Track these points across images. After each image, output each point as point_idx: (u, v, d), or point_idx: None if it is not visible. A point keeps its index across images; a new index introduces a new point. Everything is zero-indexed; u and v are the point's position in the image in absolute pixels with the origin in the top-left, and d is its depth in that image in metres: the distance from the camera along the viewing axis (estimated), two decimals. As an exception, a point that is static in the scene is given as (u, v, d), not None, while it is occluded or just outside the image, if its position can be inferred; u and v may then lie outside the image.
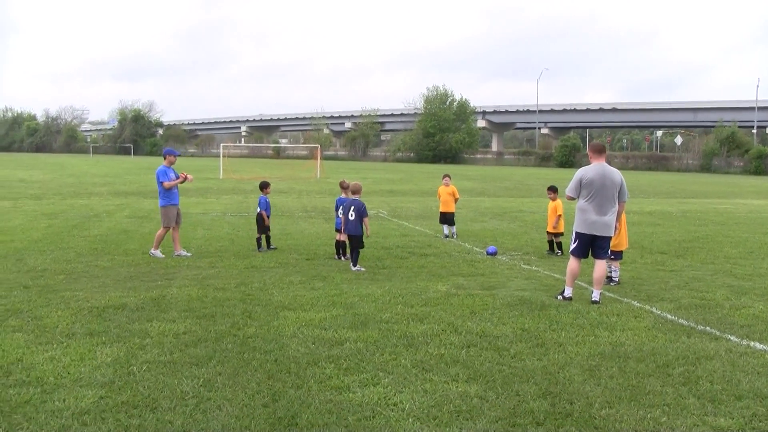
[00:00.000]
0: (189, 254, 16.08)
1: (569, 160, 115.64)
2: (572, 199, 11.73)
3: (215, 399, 6.96)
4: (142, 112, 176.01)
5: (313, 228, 22.14)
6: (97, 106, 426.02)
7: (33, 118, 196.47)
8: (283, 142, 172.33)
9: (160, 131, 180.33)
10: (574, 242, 11.72)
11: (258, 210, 17.12)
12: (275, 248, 17.04)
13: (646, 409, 6.80)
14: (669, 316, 10.63)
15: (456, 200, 20.24)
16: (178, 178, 16.14)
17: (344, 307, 10.96)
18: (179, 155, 16.69)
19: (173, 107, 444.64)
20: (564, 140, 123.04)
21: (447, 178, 20.38)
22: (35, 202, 30.23)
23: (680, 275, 14.24)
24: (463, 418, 6.53)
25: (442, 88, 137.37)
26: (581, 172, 11.65)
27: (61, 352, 8.40)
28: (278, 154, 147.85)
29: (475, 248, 17.93)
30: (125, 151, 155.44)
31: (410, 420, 6.47)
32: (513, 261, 15.93)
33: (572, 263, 11.73)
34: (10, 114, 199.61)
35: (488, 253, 16.36)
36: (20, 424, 6.32)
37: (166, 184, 16.01)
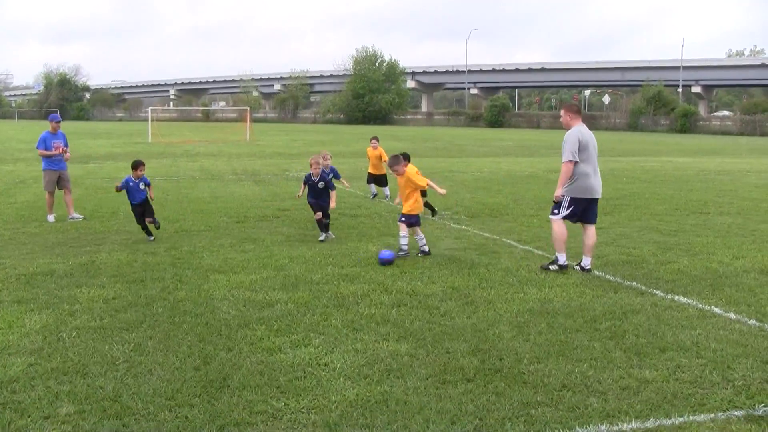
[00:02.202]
0: (81, 217, 16.22)
1: (498, 120, 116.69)
2: (574, 163, 10.96)
3: (146, 363, 6.98)
4: (68, 77, 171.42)
5: (242, 190, 22.02)
6: (23, 71, 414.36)
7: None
8: (217, 105, 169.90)
9: (87, 95, 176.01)
10: (568, 208, 11.00)
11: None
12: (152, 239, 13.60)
13: (573, 363, 7.01)
14: (596, 272, 10.91)
15: (384, 162, 20.24)
16: (66, 146, 16.67)
17: (275, 269, 11.00)
18: (60, 120, 16.93)
19: (102, 71, 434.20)
20: (493, 100, 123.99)
21: (374, 141, 20.37)
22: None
23: (608, 232, 14.54)
24: (393, 376, 6.66)
25: (371, 50, 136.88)
26: (577, 135, 11.02)
27: (-14, 321, 8.29)
28: (207, 117, 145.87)
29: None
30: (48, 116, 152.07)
31: (341, 379, 6.58)
32: (443, 221, 16.12)
33: (562, 228, 11.09)
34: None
35: (382, 259, 11.47)
36: (-53, 393, 6.26)
37: (40, 152, 16.50)
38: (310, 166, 13.67)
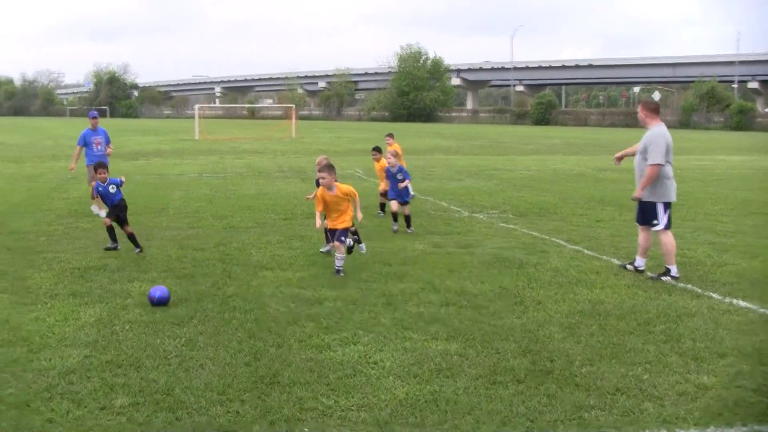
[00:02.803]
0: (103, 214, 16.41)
1: (545, 117, 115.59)
2: (660, 166, 10.37)
3: (197, 358, 7.06)
4: (117, 75, 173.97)
5: (289, 188, 22.14)
6: (74, 70, 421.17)
7: (10, 81, 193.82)
8: (266, 102, 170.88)
9: (136, 93, 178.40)
10: (665, 213, 10.50)
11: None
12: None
13: (627, 366, 6.91)
14: (649, 273, 10.73)
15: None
16: (107, 141, 17.39)
17: (322, 266, 11.05)
18: (97, 117, 17.60)
19: (150, 69, 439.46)
20: (539, 97, 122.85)
21: (389, 138, 19.94)
22: (15, 165, 29.93)
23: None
24: (443, 375, 6.66)
25: (415, 47, 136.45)
26: (664, 136, 10.48)
27: (45, 313, 8.48)
28: (253, 114, 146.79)
29: (451, 206, 18.03)
30: (101, 113, 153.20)
31: (391, 378, 6.59)
32: (490, 219, 16.04)
33: (671, 238, 10.57)
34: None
35: (153, 299, 8.87)
36: (8, 382, 6.42)
37: (76, 150, 17.41)
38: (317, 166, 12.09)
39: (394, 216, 14.12)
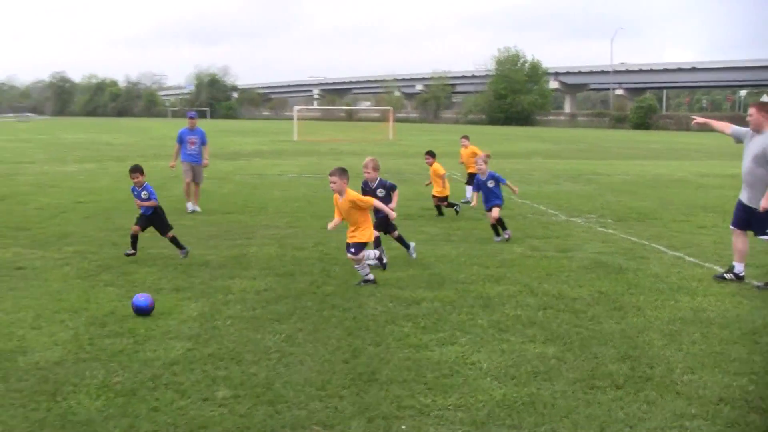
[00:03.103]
0: (199, 210, 17.24)
1: (645, 121, 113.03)
2: None
3: (297, 354, 7.18)
4: (217, 77, 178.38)
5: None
6: (175, 72, 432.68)
7: (115, 83, 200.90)
8: (364, 105, 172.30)
9: (235, 95, 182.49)
10: None
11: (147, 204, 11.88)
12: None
13: (731, 376, 6.71)
14: (755, 282, 10.38)
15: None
16: (203, 143, 17.91)
17: (420, 267, 11.09)
18: (195, 117, 18.19)
19: (247, 70, 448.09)
20: (640, 101, 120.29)
21: (464, 140, 19.82)
22: (120, 164, 31.04)
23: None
24: (541, 378, 6.61)
25: (513, 49, 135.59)
26: None
27: (149, 306, 8.73)
28: (350, 116, 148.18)
29: (549, 210, 17.86)
30: (202, 114, 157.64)
31: (488, 379, 6.58)
32: (588, 224, 15.82)
33: None
34: (94, 80, 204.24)
35: (137, 307, 8.46)
36: (116, 371, 6.66)
37: (175, 148, 17.98)
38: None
39: (496, 227, 13.54)
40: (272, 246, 12.57)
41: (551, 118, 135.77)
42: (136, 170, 11.69)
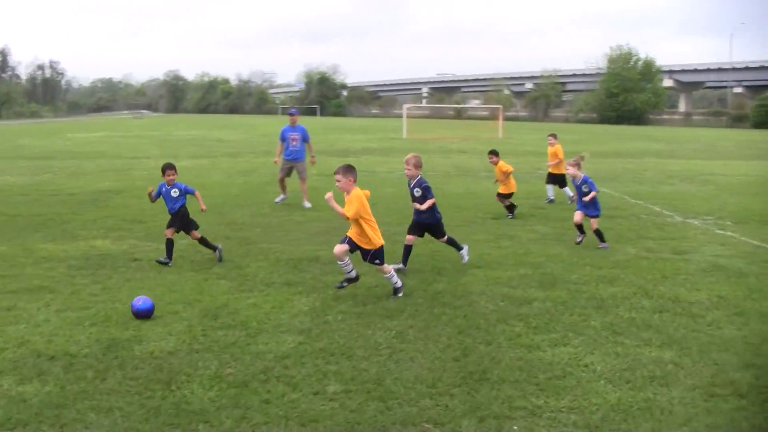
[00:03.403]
0: (309, 206, 17.41)
1: (766, 120, 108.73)
2: None
3: (407, 350, 7.17)
4: (326, 75, 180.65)
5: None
6: (285, 70, 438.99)
7: (226, 81, 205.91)
8: (474, 103, 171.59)
9: (345, 93, 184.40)
10: None
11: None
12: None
13: None
14: None
15: (560, 160, 18.52)
16: (304, 140, 18.04)
17: (531, 266, 10.93)
18: (295, 114, 18.57)
19: (356, 69, 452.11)
20: (761, 99, 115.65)
21: (552, 138, 19.25)
22: (231, 159, 31.81)
23: None
24: (657, 383, 6.42)
25: (625, 47, 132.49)
26: None
27: (262, 300, 8.89)
28: (459, 114, 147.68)
29: (664, 211, 17.34)
30: (311, 112, 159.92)
31: (602, 382, 6.43)
32: (705, 225, 15.29)
33: None
34: (206, 78, 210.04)
35: (137, 310, 8.24)
36: (229, 363, 6.78)
37: (279, 146, 18.25)
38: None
39: (579, 227, 12.97)
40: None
41: (665, 117, 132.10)
42: (171, 167, 11.31)
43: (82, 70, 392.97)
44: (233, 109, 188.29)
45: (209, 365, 6.72)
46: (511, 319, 8.20)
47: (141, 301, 8.32)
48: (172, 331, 7.73)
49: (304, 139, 18.04)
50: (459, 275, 10.26)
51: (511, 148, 45.29)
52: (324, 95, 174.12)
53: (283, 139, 18.00)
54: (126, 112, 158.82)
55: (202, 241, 11.40)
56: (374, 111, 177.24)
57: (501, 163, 16.48)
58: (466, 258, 11.08)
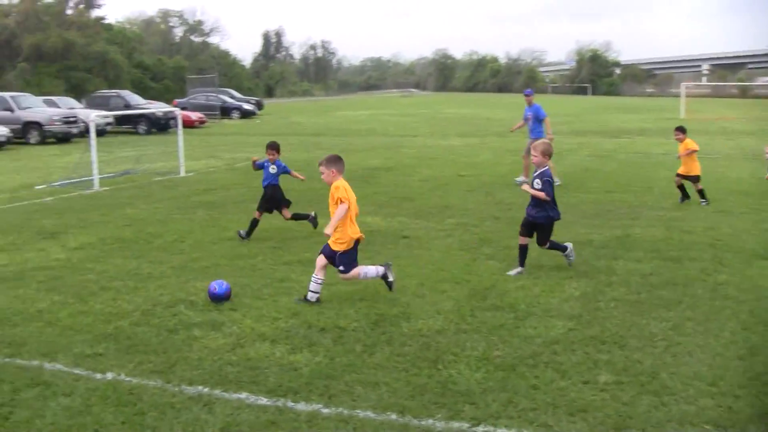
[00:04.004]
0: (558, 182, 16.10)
1: None
2: None
3: (685, 344, 6.75)
4: (599, 53, 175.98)
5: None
6: (555, 48, 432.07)
7: (495, 60, 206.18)
8: (762, 81, 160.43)
9: (617, 71, 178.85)
10: None
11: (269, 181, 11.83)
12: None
13: None
14: None
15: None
16: (538, 118, 17.88)
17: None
18: (530, 94, 18.69)
19: (630, 46, 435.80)
20: None
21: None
22: (500, 139, 31.78)
23: None
24: None
25: None
26: None
27: (531, 282, 8.75)
28: (744, 93, 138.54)
29: None
30: (582, 91, 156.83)
31: None
32: None
33: None
34: (474, 56, 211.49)
35: (213, 294, 8.17)
36: (496, 345, 6.73)
37: (519, 123, 19.21)
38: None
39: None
40: (658, 228, 11.97)
41: None
42: (273, 148, 11.63)
43: (353, 49, 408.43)
44: (502, 88, 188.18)
45: (477, 346, 6.69)
46: (802, 318, 7.48)
47: (217, 286, 8.19)
48: (440, 310, 7.78)
49: (538, 117, 17.90)
50: (744, 267, 9.48)
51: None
52: (596, 73, 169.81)
53: (525, 118, 18.41)
54: (395, 90, 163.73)
55: (295, 216, 11.90)
56: (649, 90, 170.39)
57: (687, 140, 15.11)
58: (572, 257, 9.67)
